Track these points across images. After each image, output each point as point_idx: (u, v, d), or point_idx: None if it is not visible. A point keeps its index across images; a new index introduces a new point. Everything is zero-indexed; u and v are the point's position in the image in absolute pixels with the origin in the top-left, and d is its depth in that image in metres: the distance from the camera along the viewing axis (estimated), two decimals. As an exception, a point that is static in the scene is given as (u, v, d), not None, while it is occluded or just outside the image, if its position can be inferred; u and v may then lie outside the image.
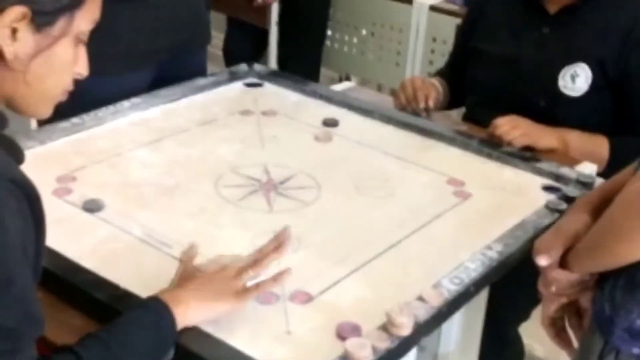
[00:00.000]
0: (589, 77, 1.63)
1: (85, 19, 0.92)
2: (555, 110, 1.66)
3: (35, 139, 1.51)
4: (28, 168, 1.43)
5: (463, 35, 1.87)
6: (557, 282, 1.08)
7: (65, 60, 0.91)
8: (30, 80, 0.89)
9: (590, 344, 1.04)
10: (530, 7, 1.69)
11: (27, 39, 0.86)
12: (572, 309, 1.12)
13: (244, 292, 1.05)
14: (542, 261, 1.08)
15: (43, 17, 0.87)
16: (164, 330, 0.97)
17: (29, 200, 0.86)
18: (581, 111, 1.65)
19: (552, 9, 1.66)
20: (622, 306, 0.99)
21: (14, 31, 0.85)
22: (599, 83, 1.63)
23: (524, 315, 1.74)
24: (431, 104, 1.71)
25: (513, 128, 1.59)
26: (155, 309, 0.98)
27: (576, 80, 1.63)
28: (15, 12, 0.84)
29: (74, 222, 1.28)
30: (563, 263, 1.07)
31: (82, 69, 0.95)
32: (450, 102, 1.87)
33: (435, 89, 1.77)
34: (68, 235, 1.23)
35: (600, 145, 1.64)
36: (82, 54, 0.95)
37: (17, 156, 0.93)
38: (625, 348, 0.98)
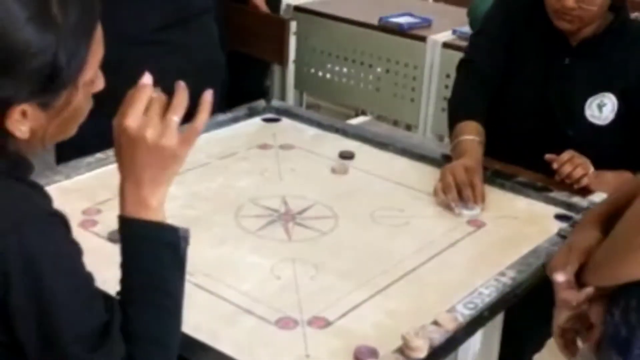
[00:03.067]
0: (615, 106, 1.67)
1: (91, 71, 0.95)
2: (583, 139, 1.68)
3: (61, 173, 1.56)
4: (55, 202, 1.48)
5: (500, 45, 1.79)
6: (567, 303, 1.10)
7: (78, 110, 0.96)
8: (49, 140, 0.96)
9: None
10: (554, 38, 1.72)
11: (37, 115, 0.91)
12: (583, 322, 1.13)
13: (182, 145, 0.98)
14: (560, 277, 1.09)
15: (46, 100, 0.91)
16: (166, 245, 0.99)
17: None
18: (609, 139, 1.69)
19: (573, 41, 1.70)
20: (638, 326, 1.01)
21: (23, 113, 0.89)
22: (624, 112, 1.67)
23: (538, 346, 1.75)
24: (480, 203, 1.50)
25: (575, 168, 1.60)
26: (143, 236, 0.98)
27: (603, 109, 1.67)
28: (19, 110, 0.89)
29: (99, 252, 1.31)
30: (577, 278, 1.09)
31: (98, 87, 0.98)
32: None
33: (479, 169, 1.57)
34: (94, 265, 1.25)
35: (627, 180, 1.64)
36: (97, 79, 0.98)
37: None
38: None
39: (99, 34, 0.96)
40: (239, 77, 3.05)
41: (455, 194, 1.50)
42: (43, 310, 0.89)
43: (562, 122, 1.71)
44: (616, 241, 1.02)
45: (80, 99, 0.95)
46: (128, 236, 0.99)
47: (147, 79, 0.98)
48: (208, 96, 1.00)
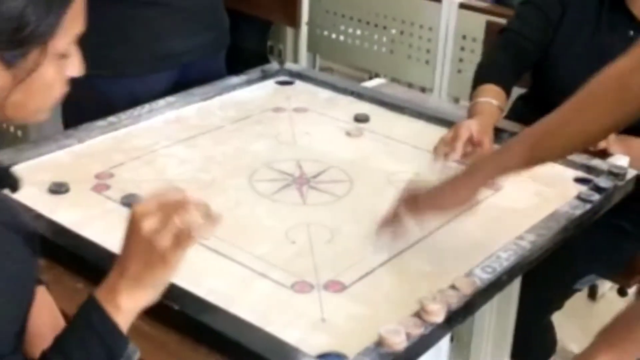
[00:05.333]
0: None
1: (63, 40, 0.89)
2: None
3: (73, 137, 1.55)
4: (68, 165, 1.48)
5: (548, 20, 1.72)
6: None
7: (46, 82, 0.89)
8: (10, 110, 0.89)
9: None
10: (616, 10, 1.65)
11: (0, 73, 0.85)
12: None
13: (173, 248, 0.90)
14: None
15: (10, 54, 0.85)
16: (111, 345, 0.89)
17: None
18: None
19: (638, 12, 1.63)
20: None
21: None
22: None
23: (558, 305, 1.73)
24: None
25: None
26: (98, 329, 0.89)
27: None
28: None
29: (113, 216, 1.32)
30: None
31: (75, 72, 0.93)
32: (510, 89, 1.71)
33: (489, 130, 1.54)
34: (107, 228, 1.27)
35: None
36: (73, 59, 0.92)
37: (12, 185, 0.95)
38: None
39: (78, 6, 0.90)
40: (239, 37, 2.98)
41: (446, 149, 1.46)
42: None
43: None
44: None
45: (50, 71, 0.89)
46: (83, 316, 0.90)
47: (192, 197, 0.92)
48: (217, 216, 0.95)
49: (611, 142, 1.57)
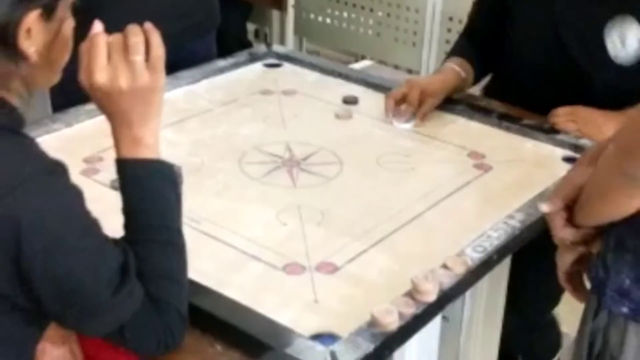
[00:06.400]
0: None
1: None
2: (608, 81, 1.51)
3: (61, 121, 1.54)
4: (56, 150, 1.46)
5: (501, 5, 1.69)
6: (564, 242, 1.07)
7: (69, 34, 0.95)
8: (54, 67, 0.94)
9: (588, 305, 1.06)
10: None
11: (39, 33, 0.89)
12: (587, 264, 1.11)
13: (154, 76, 0.97)
14: (544, 207, 1.06)
15: (49, 9, 0.90)
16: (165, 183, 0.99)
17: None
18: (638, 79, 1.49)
19: None
20: (612, 267, 1.00)
21: (28, 31, 0.88)
22: None
23: (555, 301, 1.73)
24: (416, 119, 1.59)
25: (570, 121, 1.53)
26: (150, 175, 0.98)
27: (626, 42, 1.47)
28: (32, 17, 0.87)
29: (103, 200, 1.28)
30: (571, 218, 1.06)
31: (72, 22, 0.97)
32: (479, 73, 1.74)
33: (435, 96, 1.61)
34: (98, 213, 1.23)
35: None
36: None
37: None
38: (615, 308, 0.99)
39: None
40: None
41: (392, 104, 1.60)
42: (59, 265, 0.87)
43: (581, 61, 1.54)
44: (597, 180, 0.99)
45: (70, 23, 0.94)
46: (130, 177, 0.99)
47: (97, 27, 0.97)
48: (147, 24, 1.00)
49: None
